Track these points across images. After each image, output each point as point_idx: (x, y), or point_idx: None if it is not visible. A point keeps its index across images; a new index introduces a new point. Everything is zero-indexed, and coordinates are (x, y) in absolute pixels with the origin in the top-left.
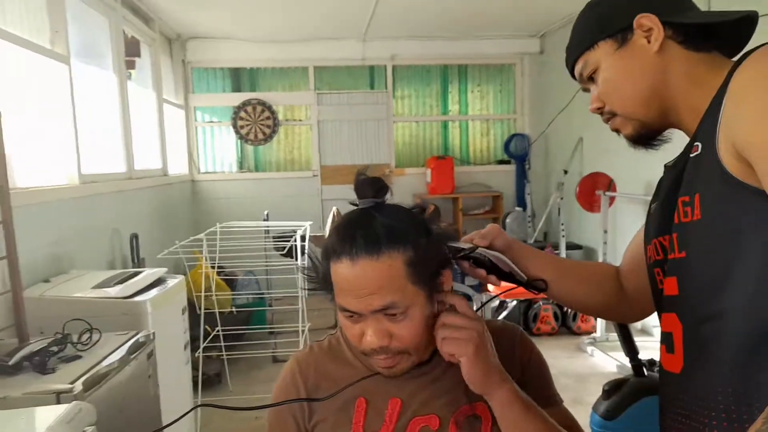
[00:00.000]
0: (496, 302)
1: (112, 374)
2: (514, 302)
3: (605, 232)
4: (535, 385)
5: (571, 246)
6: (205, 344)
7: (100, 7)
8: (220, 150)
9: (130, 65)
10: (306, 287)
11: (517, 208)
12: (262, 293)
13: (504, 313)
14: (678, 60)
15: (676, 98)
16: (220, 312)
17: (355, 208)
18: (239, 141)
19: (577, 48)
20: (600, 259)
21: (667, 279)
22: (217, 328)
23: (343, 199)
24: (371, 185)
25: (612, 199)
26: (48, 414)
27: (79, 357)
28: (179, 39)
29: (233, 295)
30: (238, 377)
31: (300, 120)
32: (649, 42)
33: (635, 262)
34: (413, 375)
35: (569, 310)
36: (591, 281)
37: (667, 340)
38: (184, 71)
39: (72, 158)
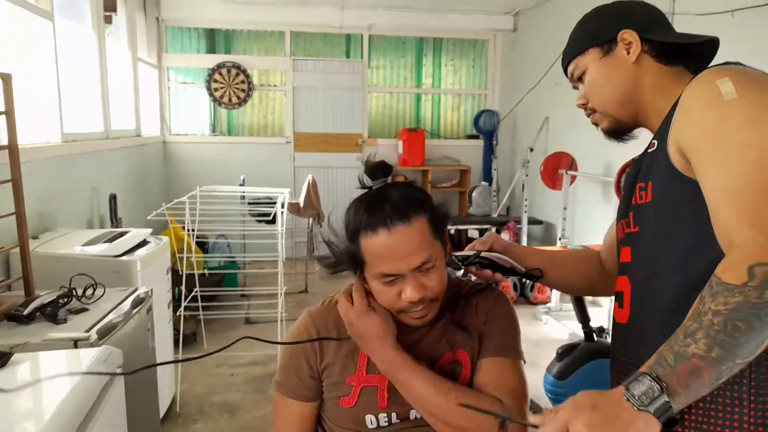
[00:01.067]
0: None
1: (120, 325)
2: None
3: (564, 209)
4: (495, 333)
5: (532, 221)
6: (185, 304)
7: None
8: (193, 112)
9: (107, 21)
10: (326, 268)
11: (483, 183)
12: (235, 257)
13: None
14: (650, 71)
15: (646, 103)
16: (193, 274)
17: (368, 189)
18: (213, 104)
19: (571, 52)
20: (558, 234)
21: (623, 248)
22: (195, 289)
23: (316, 166)
24: (381, 168)
25: (573, 178)
26: (83, 355)
27: (86, 309)
28: None
29: (207, 257)
30: (212, 337)
31: (275, 85)
32: (628, 53)
33: (611, 244)
34: (412, 328)
35: (527, 282)
36: (577, 267)
37: (619, 297)
38: (158, 29)
39: (55, 117)
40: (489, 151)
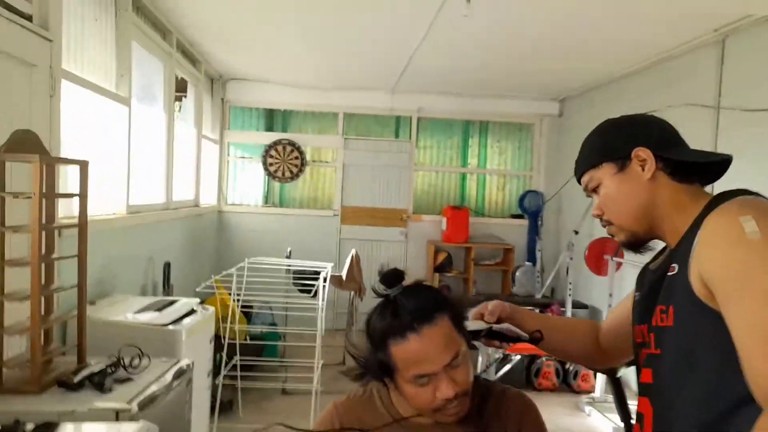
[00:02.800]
0: (500, 355)
1: (159, 398)
2: (518, 357)
3: (610, 295)
4: None
5: (577, 305)
6: (224, 372)
7: (158, 52)
8: (249, 184)
9: (177, 100)
10: (353, 380)
11: (527, 263)
12: (277, 327)
13: (507, 366)
14: (665, 188)
15: (662, 219)
16: (235, 342)
17: (385, 296)
18: (267, 177)
19: (584, 164)
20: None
21: (644, 369)
22: (235, 358)
23: (360, 239)
24: (395, 276)
25: (619, 265)
26: (122, 430)
27: (131, 379)
28: (221, 79)
29: (250, 327)
30: (248, 406)
31: (326, 162)
32: (643, 170)
33: (616, 327)
34: (433, 428)
35: (571, 368)
36: (574, 336)
37: (640, 419)
38: (222, 109)
39: (123, 191)
40: (534, 232)
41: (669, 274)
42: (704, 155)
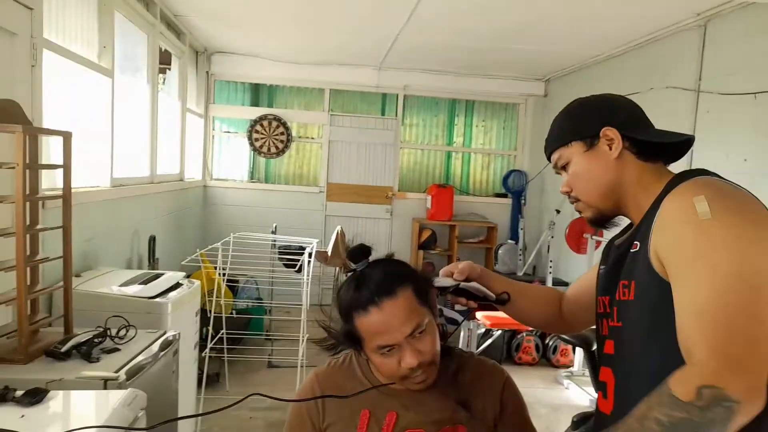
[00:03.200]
0: (482, 330)
1: (147, 367)
2: (499, 331)
3: None
4: (515, 423)
5: (557, 282)
6: (210, 345)
7: (142, 23)
8: (234, 159)
9: (161, 72)
10: (325, 350)
11: (510, 241)
12: (263, 302)
13: (489, 341)
14: (631, 167)
15: (627, 196)
16: (221, 316)
17: (351, 271)
18: (253, 153)
19: (555, 142)
20: None
21: (607, 341)
22: (222, 331)
23: (346, 216)
24: (362, 251)
25: (598, 243)
26: (111, 397)
27: (118, 349)
28: (206, 52)
29: (235, 301)
30: (235, 378)
31: (312, 138)
32: (610, 149)
33: (579, 296)
34: (411, 394)
35: (550, 343)
36: (537, 302)
37: (602, 388)
38: (207, 82)
39: (107, 163)
40: (516, 210)
41: (631, 251)
42: (668, 135)
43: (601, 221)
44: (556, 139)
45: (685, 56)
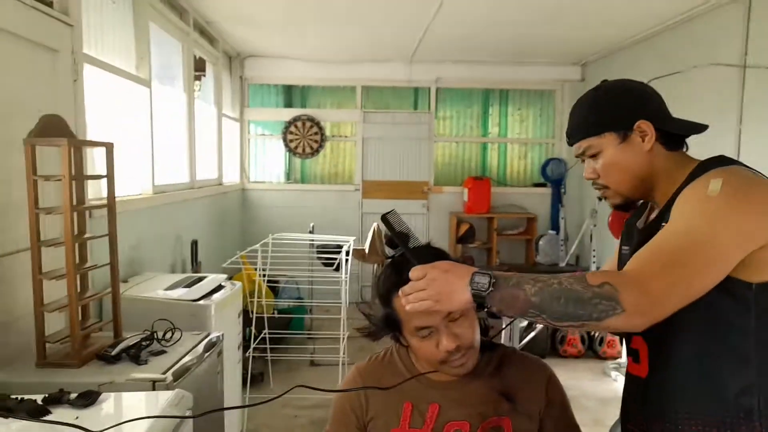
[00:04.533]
0: (525, 322)
1: (193, 368)
2: (540, 325)
3: None
4: (560, 417)
5: None
6: (254, 345)
7: (176, 32)
8: (270, 161)
9: (197, 79)
10: (367, 337)
11: (551, 231)
12: (304, 301)
13: (532, 334)
14: (660, 157)
15: (655, 185)
16: (263, 316)
17: (391, 257)
18: (288, 154)
19: (585, 131)
20: None
21: None
22: (264, 331)
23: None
24: (400, 238)
25: None
26: (159, 398)
27: (165, 352)
28: (239, 57)
29: (277, 301)
30: (279, 377)
31: (346, 136)
32: (643, 141)
33: None
34: (453, 386)
35: (596, 334)
36: None
37: (634, 353)
38: (241, 87)
39: (148, 171)
40: (557, 200)
41: (663, 224)
42: (693, 127)
43: (627, 206)
44: (587, 129)
45: (728, 31)
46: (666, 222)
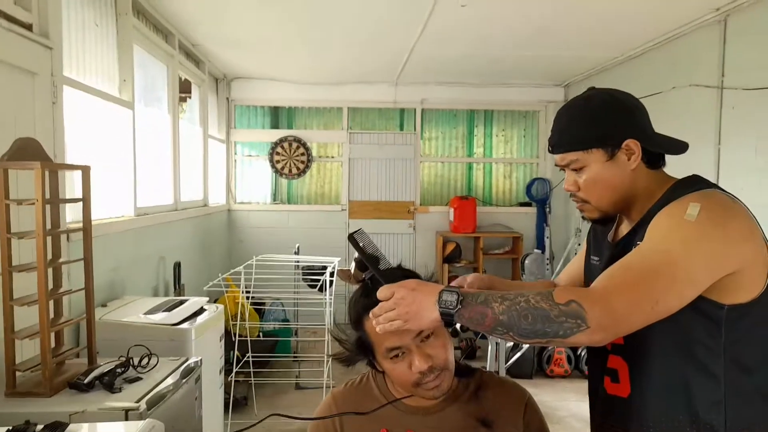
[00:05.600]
0: (511, 343)
1: (168, 395)
2: (527, 345)
3: None
4: None
5: None
6: (236, 369)
7: (161, 55)
8: (256, 182)
9: (182, 101)
10: (341, 363)
11: (536, 250)
12: (289, 323)
13: (518, 354)
14: (642, 175)
15: (634, 202)
16: (246, 339)
17: (361, 281)
18: (274, 174)
19: (573, 144)
20: None
21: None
22: (248, 355)
23: (369, 233)
24: (369, 259)
25: None
26: (130, 428)
27: (140, 378)
28: (225, 79)
29: (262, 324)
30: (262, 402)
31: (332, 157)
32: (629, 159)
33: (573, 285)
34: (430, 412)
35: (582, 354)
36: None
37: (612, 374)
38: (227, 108)
39: (129, 193)
40: (542, 219)
41: (637, 242)
42: (677, 146)
43: (604, 221)
44: (574, 142)
45: (706, 53)
46: (640, 240)
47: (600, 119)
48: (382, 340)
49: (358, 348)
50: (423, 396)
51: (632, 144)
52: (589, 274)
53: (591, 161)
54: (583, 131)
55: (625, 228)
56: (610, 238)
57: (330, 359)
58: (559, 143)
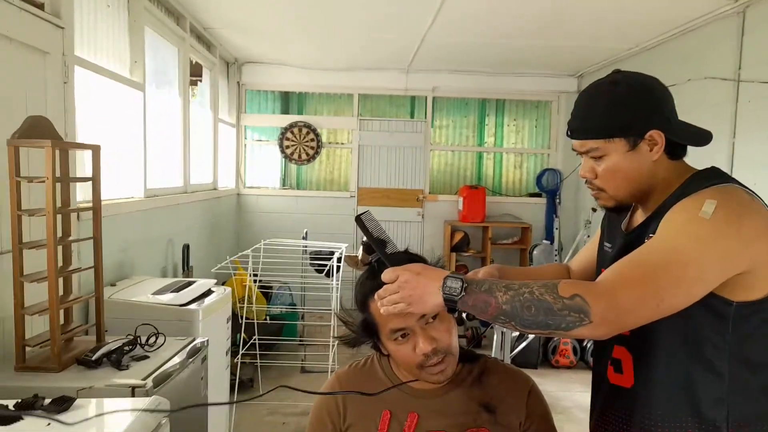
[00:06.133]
0: (516, 332)
1: (174, 374)
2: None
3: None
4: (541, 430)
5: None
6: (243, 351)
7: (172, 38)
8: (266, 167)
9: (193, 84)
10: (346, 345)
11: (545, 241)
12: (296, 307)
13: (523, 344)
14: (663, 166)
15: (652, 192)
16: (253, 322)
17: (368, 264)
18: (284, 160)
19: (594, 131)
20: None
21: None
22: (254, 337)
23: (378, 220)
24: (376, 243)
25: None
26: (134, 404)
27: (147, 357)
28: (236, 63)
29: (269, 307)
30: (268, 384)
31: (342, 143)
32: (651, 150)
33: (586, 271)
34: (433, 395)
35: (588, 345)
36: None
37: (616, 364)
38: (238, 92)
39: (140, 174)
40: (551, 210)
41: (650, 235)
42: (699, 138)
43: (618, 210)
44: (596, 129)
45: (723, 45)
46: (653, 233)
47: (625, 107)
48: (386, 322)
49: (363, 330)
50: (427, 380)
51: (656, 135)
52: (602, 260)
53: (611, 150)
54: (606, 119)
55: (639, 217)
56: (624, 227)
57: (336, 343)
58: (579, 129)
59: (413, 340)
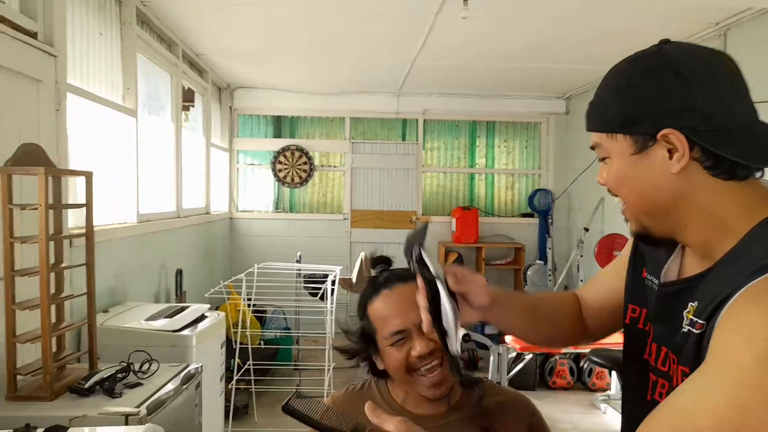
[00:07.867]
0: (513, 354)
1: (168, 401)
2: (531, 355)
3: None
4: None
5: None
6: (237, 377)
7: (164, 64)
8: (259, 191)
9: (185, 109)
10: (344, 355)
11: (539, 261)
12: (290, 331)
13: (520, 365)
14: (700, 188)
15: (687, 227)
16: (247, 347)
17: (372, 277)
18: (277, 183)
19: (597, 121)
20: None
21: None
22: (248, 362)
23: (370, 242)
24: (382, 259)
25: None
26: None
27: (141, 384)
28: (228, 88)
29: (263, 331)
30: (263, 410)
31: (335, 166)
32: (670, 158)
33: (600, 305)
34: (433, 420)
35: (585, 366)
36: (559, 319)
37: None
38: (230, 117)
39: (132, 200)
40: (544, 230)
41: (696, 331)
42: (761, 155)
43: (648, 240)
44: (598, 120)
45: None
46: (699, 318)
47: (636, 92)
48: (384, 324)
49: (362, 338)
50: (420, 391)
51: (673, 136)
52: (635, 295)
53: (613, 151)
54: (609, 107)
55: (688, 262)
56: (662, 275)
57: (332, 367)
58: (587, 116)
59: (409, 344)
